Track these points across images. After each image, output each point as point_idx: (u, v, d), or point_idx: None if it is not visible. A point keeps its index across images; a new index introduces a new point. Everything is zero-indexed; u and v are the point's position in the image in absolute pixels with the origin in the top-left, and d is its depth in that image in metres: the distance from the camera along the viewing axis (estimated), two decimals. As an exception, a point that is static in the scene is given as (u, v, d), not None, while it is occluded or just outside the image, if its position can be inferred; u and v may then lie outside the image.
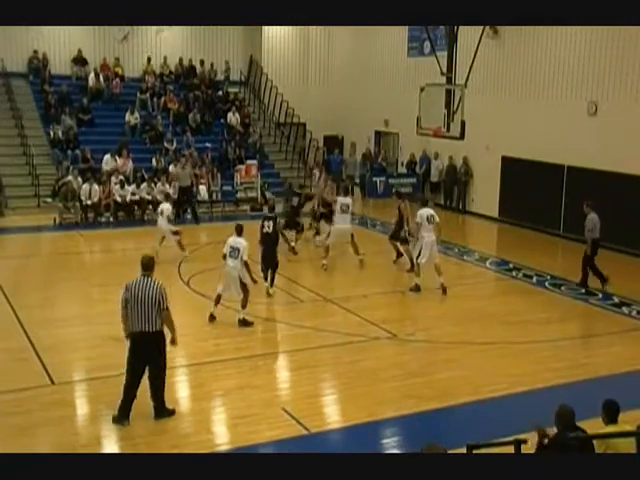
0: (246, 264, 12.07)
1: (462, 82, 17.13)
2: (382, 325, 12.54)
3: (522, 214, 21.02)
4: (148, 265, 9.16)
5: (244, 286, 12.19)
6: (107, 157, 22.33)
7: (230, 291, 12.33)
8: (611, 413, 6.47)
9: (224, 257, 12.29)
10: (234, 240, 12.22)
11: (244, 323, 12.35)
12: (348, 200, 16.80)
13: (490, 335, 12.30)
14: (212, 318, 12.44)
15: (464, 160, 23.26)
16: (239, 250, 12.05)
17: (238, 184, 23.55)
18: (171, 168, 22.33)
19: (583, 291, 14.92)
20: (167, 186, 21.51)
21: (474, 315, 13.38)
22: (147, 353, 8.87)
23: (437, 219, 14.67)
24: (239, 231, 12.33)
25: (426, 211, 14.71)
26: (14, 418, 8.95)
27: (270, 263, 14.03)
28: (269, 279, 14.07)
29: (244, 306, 12.33)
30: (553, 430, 6.33)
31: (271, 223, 14.10)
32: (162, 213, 16.58)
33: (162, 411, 9.02)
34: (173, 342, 9.11)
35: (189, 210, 21.40)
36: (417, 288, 14.54)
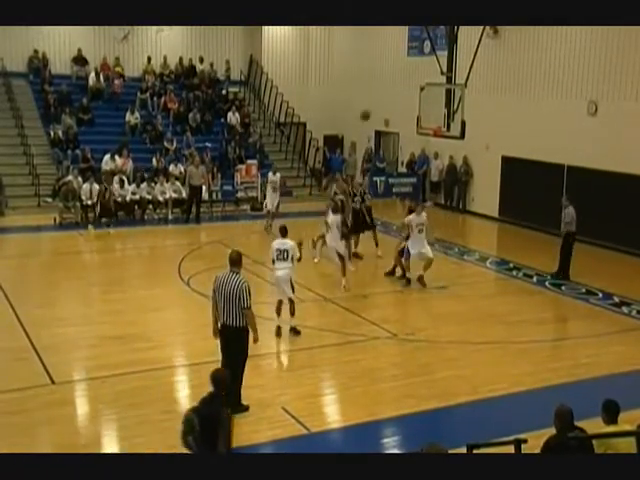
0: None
1: (462, 82, 17.13)
2: (382, 325, 12.54)
3: (522, 214, 21.02)
4: (235, 260, 9.09)
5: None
6: (107, 157, 22.35)
7: (283, 295, 12.01)
8: (611, 413, 6.47)
9: (273, 262, 11.96)
10: (280, 242, 11.89)
11: (294, 332, 12.02)
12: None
13: (490, 335, 12.30)
14: (279, 331, 11.99)
15: (464, 160, 23.26)
16: (287, 251, 11.75)
17: (238, 184, 23.56)
18: (181, 168, 22.67)
19: (584, 291, 14.92)
20: (166, 186, 21.56)
21: (474, 315, 13.38)
22: (228, 346, 9.04)
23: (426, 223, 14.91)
24: (284, 232, 11.95)
25: (416, 219, 14.73)
26: (14, 418, 8.95)
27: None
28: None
29: (293, 313, 11.97)
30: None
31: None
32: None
33: (236, 407, 8.70)
34: (255, 340, 9.20)
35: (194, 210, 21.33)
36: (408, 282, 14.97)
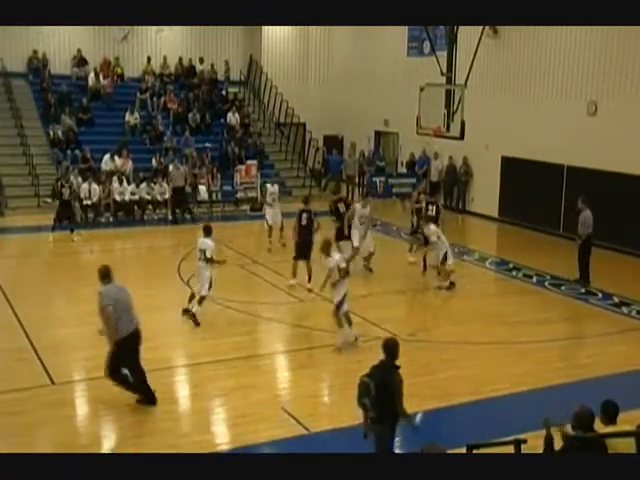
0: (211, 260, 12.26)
1: (462, 82, 17.14)
2: (382, 325, 12.52)
3: (522, 214, 21.01)
4: (106, 274, 9.73)
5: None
6: (106, 157, 22.35)
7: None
8: (610, 414, 6.44)
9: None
10: (200, 241, 12.44)
11: (193, 319, 12.44)
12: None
13: (490, 335, 12.30)
14: (184, 311, 12.60)
15: (464, 160, 23.25)
16: (204, 251, 12.23)
17: (238, 184, 23.54)
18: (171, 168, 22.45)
19: (583, 290, 14.91)
20: (167, 186, 21.57)
21: (474, 315, 13.37)
22: (138, 349, 9.47)
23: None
24: (207, 232, 12.48)
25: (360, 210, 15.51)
26: (14, 418, 8.95)
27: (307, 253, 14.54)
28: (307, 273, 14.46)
29: (199, 302, 12.46)
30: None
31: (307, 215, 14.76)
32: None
33: (149, 398, 9.45)
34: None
35: (186, 211, 21.34)
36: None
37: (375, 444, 7.25)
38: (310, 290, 14.15)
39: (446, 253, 14.71)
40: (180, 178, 21.21)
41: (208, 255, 12.19)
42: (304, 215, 14.78)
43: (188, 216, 21.18)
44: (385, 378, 7.06)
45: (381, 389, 6.99)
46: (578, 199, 15.34)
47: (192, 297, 12.62)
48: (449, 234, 19.75)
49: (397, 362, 7.27)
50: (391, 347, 7.26)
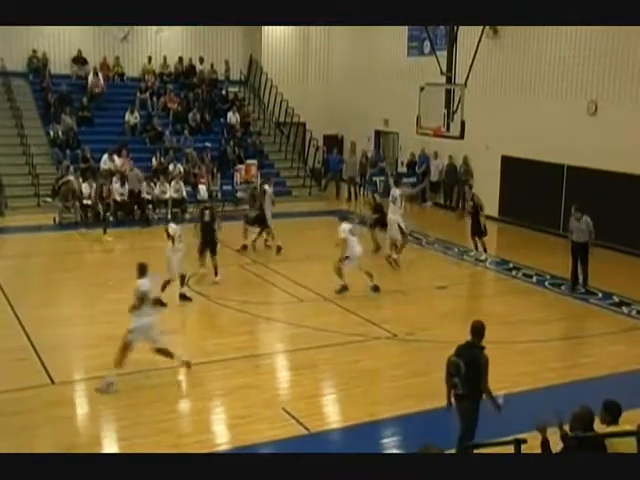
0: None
1: (462, 82, 17.13)
2: (382, 325, 12.53)
3: (522, 214, 21.01)
4: None
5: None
6: (105, 157, 22.34)
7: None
8: (613, 414, 6.44)
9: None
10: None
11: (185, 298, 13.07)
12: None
13: (490, 335, 12.18)
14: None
15: (464, 160, 23.25)
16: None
17: (238, 184, 23.54)
18: (180, 167, 22.62)
19: (583, 291, 14.90)
20: (167, 186, 21.58)
21: (474, 315, 13.27)
22: None
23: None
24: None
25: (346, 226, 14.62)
26: (14, 418, 8.96)
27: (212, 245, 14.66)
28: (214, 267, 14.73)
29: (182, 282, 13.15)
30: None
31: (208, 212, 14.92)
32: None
33: None
34: None
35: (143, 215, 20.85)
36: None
37: (461, 420, 7.83)
38: (216, 283, 14.65)
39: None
40: (135, 181, 20.88)
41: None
42: (206, 212, 15.06)
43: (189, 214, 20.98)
44: (473, 357, 7.59)
45: (470, 367, 7.52)
46: (573, 208, 14.83)
47: (167, 283, 13.11)
48: (449, 234, 19.86)
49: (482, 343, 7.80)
50: (479, 328, 7.82)
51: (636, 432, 6.20)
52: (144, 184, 20.97)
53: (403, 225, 16.49)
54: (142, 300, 10.04)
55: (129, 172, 21.14)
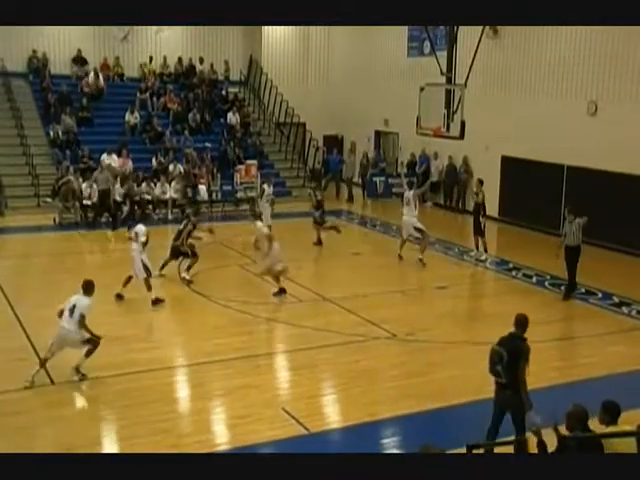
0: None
1: (462, 82, 17.13)
2: (382, 325, 12.53)
3: (522, 214, 21.01)
4: None
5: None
6: (104, 156, 22.32)
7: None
8: (613, 414, 6.44)
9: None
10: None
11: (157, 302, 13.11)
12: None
13: (490, 335, 12.17)
14: None
15: (464, 160, 23.26)
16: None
17: (238, 184, 23.55)
18: (180, 168, 22.63)
19: (584, 291, 14.89)
20: (167, 186, 21.58)
21: (474, 315, 13.39)
22: None
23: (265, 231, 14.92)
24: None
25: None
26: (14, 418, 8.96)
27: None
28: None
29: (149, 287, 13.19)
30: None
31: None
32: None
33: None
34: None
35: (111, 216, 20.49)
36: None
37: (511, 411, 8.00)
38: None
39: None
40: (104, 181, 20.59)
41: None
42: (184, 221, 15.44)
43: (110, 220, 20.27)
44: (515, 347, 7.93)
45: (513, 356, 7.83)
46: (566, 211, 14.67)
47: (127, 280, 13.41)
48: (449, 234, 19.85)
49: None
50: (522, 321, 8.27)
51: (636, 432, 6.20)
52: (117, 186, 20.55)
53: (420, 225, 16.73)
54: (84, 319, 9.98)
55: (98, 174, 20.78)
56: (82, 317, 9.96)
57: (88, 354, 10.09)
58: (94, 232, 19.63)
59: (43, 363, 10.00)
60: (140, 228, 13.55)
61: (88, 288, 10.29)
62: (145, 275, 13.22)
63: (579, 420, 6.20)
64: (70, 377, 10.06)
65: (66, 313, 10.09)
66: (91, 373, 10.32)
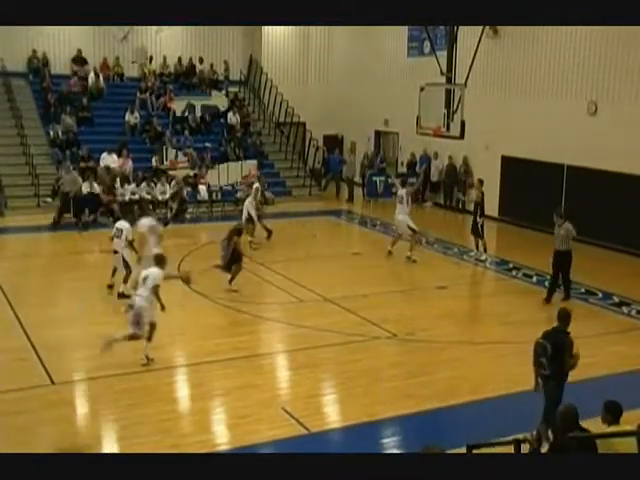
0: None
1: (462, 82, 17.14)
2: (382, 325, 12.54)
3: (522, 214, 21.01)
4: None
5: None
6: (104, 155, 22.32)
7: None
8: (615, 414, 6.45)
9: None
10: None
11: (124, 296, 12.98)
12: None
13: (490, 335, 12.30)
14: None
15: (464, 160, 23.25)
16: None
17: (238, 184, 23.53)
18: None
19: (584, 290, 14.89)
20: (167, 186, 21.57)
21: (474, 315, 13.39)
22: None
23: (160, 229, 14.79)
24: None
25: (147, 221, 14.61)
26: (14, 418, 8.96)
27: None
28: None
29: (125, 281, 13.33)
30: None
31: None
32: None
33: None
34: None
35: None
36: None
37: (546, 399, 8.30)
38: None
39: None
40: (70, 183, 20.37)
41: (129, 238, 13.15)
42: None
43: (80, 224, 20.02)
44: (559, 340, 8.27)
45: (556, 349, 8.18)
46: (555, 214, 14.55)
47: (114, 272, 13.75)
48: (449, 234, 19.85)
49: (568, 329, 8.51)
50: (565, 315, 8.62)
51: (636, 432, 6.21)
52: (83, 187, 20.37)
53: (412, 224, 16.83)
54: None
55: (64, 175, 20.59)
56: (155, 287, 10.65)
57: (149, 339, 10.75)
58: (94, 231, 19.62)
59: (148, 338, 10.67)
60: (124, 225, 13.69)
61: (160, 261, 11.03)
62: (125, 271, 13.54)
63: (571, 419, 6.24)
64: (71, 377, 10.08)
65: (140, 284, 10.90)
66: (91, 373, 10.34)
